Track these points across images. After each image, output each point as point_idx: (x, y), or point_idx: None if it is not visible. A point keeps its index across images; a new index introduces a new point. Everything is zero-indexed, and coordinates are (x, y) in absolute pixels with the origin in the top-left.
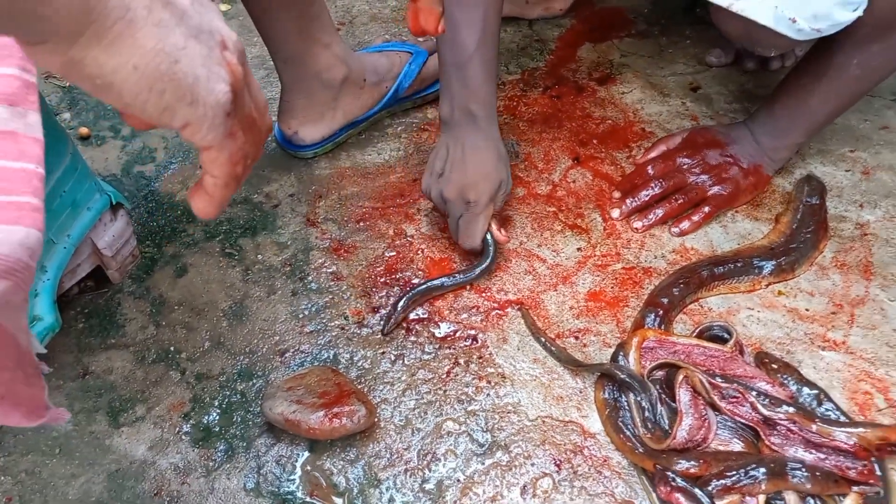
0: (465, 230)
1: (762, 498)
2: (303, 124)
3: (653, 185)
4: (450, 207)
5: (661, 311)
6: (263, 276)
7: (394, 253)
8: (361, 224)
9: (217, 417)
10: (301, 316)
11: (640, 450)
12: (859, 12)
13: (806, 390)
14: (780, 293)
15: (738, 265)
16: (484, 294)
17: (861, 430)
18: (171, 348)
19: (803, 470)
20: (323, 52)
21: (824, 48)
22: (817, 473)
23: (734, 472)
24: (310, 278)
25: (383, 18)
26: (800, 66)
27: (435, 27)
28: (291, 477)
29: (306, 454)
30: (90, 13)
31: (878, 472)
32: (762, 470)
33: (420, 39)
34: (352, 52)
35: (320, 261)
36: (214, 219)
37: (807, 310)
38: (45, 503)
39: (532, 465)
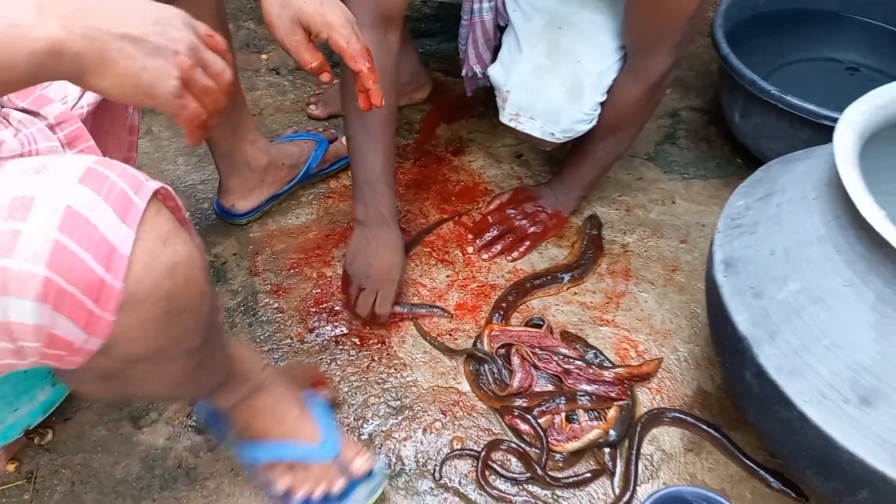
0: (378, 302)
1: (563, 415)
2: (237, 199)
3: (492, 229)
4: (369, 283)
5: (502, 311)
6: (226, 314)
7: (319, 290)
8: (292, 271)
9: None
10: (258, 340)
11: (493, 397)
12: (593, 123)
13: (590, 351)
14: (574, 293)
15: (549, 278)
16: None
17: (619, 370)
18: None
19: (586, 396)
20: (250, 147)
21: (585, 139)
22: (594, 396)
23: (547, 402)
24: (260, 313)
25: (285, 109)
26: (573, 149)
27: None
28: None
29: None
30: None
31: (629, 393)
32: (563, 398)
33: (320, 129)
34: (271, 143)
35: (265, 300)
36: (199, 145)
37: (591, 302)
38: (100, 482)
39: (428, 415)
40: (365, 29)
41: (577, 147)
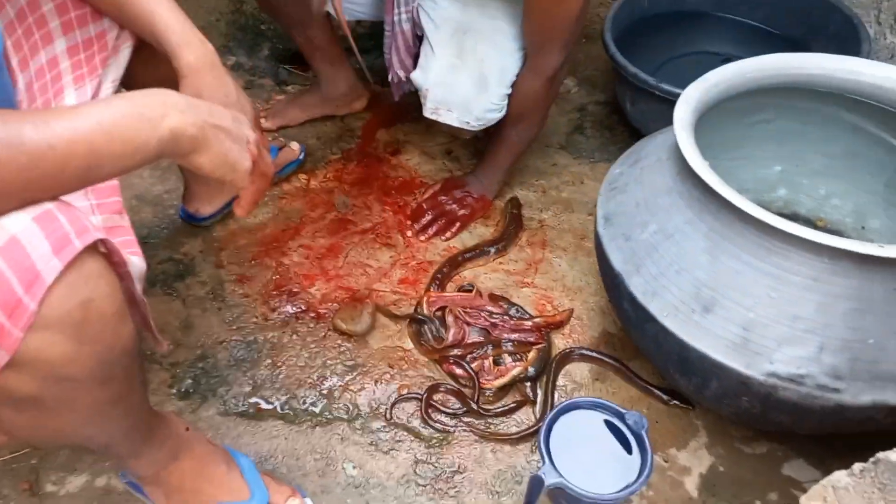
0: None
1: (491, 359)
2: (201, 204)
3: (427, 214)
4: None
5: (438, 282)
6: (196, 302)
7: (278, 276)
8: (253, 262)
9: (190, 383)
10: (227, 321)
11: (432, 350)
12: (502, 113)
13: (513, 308)
14: (500, 263)
15: (477, 252)
16: (342, 288)
17: (537, 320)
18: (148, 352)
19: (510, 342)
20: None
21: (499, 128)
22: (516, 343)
23: (477, 350)
24: (227, 299)
25: None
26: (491, 139)
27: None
28: (243, 405)
29: (248, 388)
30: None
31: (546, 338)
32: (490, 346)
33: (270, 139)
34: None
35: (231, 288)
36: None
37: (513, 269)
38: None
39: (378, 370)
40: None
41: (493, 137)
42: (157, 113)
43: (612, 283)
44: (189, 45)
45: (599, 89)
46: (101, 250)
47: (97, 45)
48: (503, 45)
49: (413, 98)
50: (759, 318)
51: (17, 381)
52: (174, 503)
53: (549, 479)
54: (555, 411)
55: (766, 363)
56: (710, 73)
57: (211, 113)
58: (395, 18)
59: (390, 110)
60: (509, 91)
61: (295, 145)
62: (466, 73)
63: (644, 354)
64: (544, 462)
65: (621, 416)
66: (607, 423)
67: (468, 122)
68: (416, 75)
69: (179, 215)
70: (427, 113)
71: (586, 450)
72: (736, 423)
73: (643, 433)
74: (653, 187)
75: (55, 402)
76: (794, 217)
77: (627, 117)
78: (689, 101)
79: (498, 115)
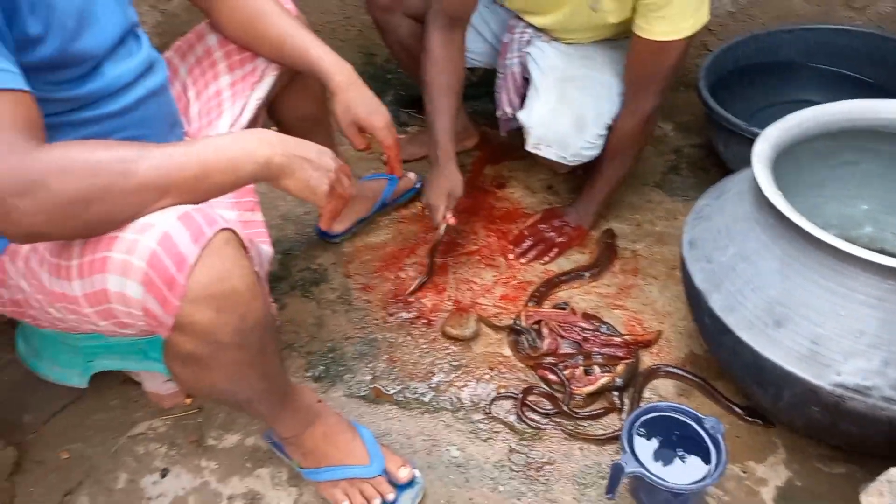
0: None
1: (582, 369)
2: (334, 223)
3: (528, 240)
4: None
5: (536, 299)
6: (328, 304)
7: (395, 287)
8: (375, 274)
9: (322, 369)
10: (354, 321)
11: (528, 358)
12: (597, 151)
13: (604, 326)
14: (593, 286)
15: (573, 275)
16: (450, 300)
17: (626, 337)
18: (292, 343)
19: (600, 356)
20: None
21: (596, 164)
22: (606, 356)
23: (570, 360)
24: (353, 303)
25: (366, 158)
26: (589, 174)
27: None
28: (364, 390)
29: (369, 377)
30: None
31: (634, 355)
32: (581, 357)
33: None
34: (357, 181)
35: (357, 294)
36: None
37: (606, 292)
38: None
39: (480, 371)
40: (438, 29)
41: (591, 172)
42: (253, 146)
43: (694, 300)
44: (337, 69)
45: (695, 133)
46: (234, 239)
47: (251, 77)
48: (601, 93)
49: (518, 138)
50: (827, 333)
51: (181, 340)
52: (308, 462)
53: (629, 468)
54: (639, 411)
55: (834, 374)
56: (789, 115)
57: (298, 146)
58: (507, 62)
59: (497, 149)
60: (605, 132)
61: (412, 176)
62: (566, 115)
63: (724, 368)
64: (625, 452)
65: (700, 421)
66: (685, 427)
67: (565, 158)
68: (521, 114)
69: (315, 232)
70: (529, 147)
71: (665, 449)
72: (810, 436)
73: (719, 437)
74: (733, 215)
75: (207, 359)
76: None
77: (721, 159)
78: (769, 139)
79: (593, 153)
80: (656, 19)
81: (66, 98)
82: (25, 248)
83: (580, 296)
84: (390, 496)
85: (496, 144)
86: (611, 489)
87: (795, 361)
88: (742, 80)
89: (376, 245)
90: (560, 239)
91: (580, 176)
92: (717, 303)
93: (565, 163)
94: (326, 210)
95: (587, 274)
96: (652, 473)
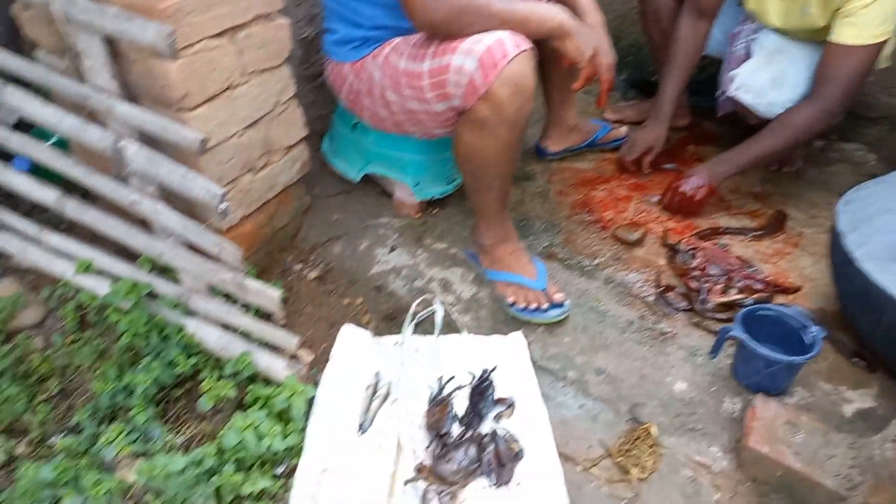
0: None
1: (721, 286)
2: (551, 144)
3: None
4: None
5: (699, 235)
6: (530, 197)
7: (585, 198)
8: (571, 186)
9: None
10: (547, 210)
11: (679, 270)
12: (780, 109)
13: (752, 268)
14: (753, 244)
15: (737, 230)
16: (625, 219)
17: (769, 278)
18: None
19: (741, 282)
20: (570, 114)
21: (751, 129)
22: (745, 285)
23: (713, 278)
24: (550, 200)
25: (589, 114)
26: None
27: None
28: (541, 250)
29: (547, 244)
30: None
31: (769, 293)
32: (724, 277)
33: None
34: (579, 117)
35: (557, 198)
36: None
37: (763, 252)
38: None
39: (635, 265)
40: (690, 16)
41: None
42: (556, 12)
43: (834, 242)
44: (590, 8)
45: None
46: (533, 58)
47: None
48: (802, 73)
49: (724, 127)
50: None
51: (482, 108)
52: (494, 267)
53: (735, 332)
54: (757, 305)
55: None
56: None
57: (580, 24)
58: (734, 49)
59: (704, 134)
60: (793, 101)
61: (623, 129)
62: (768, 72)
63: (840, 299)
64: (737, 323)
65: (805, 327)
66: (792, 331)
67: (757, 106)
68: (733, 72)
69: (534, 148)
70: (731, 92)
71: (769, 340)
72: None
73: (818, 339)
74: (890, 183)
75: (491, 126)
76: None
77: None
78: None
79: (778, 110)
80: (846, 24)
81: None
82: (388, 48)
83: (739, 246)
84: (545, 305)
85: (705, 130)
86: (715, 350)
87: None
88: None
89: (578, 169)
90: (697, 195)
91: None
92: (850, 241)
93: (757, 112)
94: (584, 73)
95: (750, 234)
96: (751, 342)
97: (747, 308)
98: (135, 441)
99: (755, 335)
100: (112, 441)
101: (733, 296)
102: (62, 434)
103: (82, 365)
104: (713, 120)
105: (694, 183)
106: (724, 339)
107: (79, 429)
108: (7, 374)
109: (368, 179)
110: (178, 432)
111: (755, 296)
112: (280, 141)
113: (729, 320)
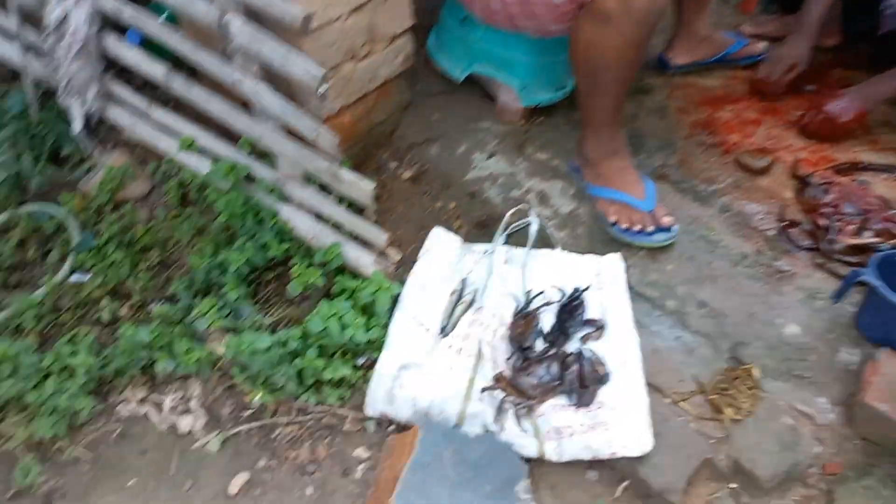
0: None
1: (855, 227)
2: (676, 55)
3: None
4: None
5: (835, 169)
6: (645, 111)
7: (706, 118)
8: (694, 104)
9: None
10: (662, 128)
11: (807, 205)
12: None
13: (894, 210)
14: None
15: (881, 167)
16: (752, 144)
17: None
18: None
19: (878, 225)
20: (702, 24)
21: None
22: (883, 228)
23: (847, 217)
24: (667, 112)
25: (724, 25)
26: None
27: None
28: (649, 170)
29: (658, 164)
30: None
31: None
32: (859, 217)
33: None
34: (711, 28)
35: (672, 112)
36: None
37: None
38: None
39: (758, 196)
40: None
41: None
42: None
43: None
44: None
45: None
46: None
47: None
48: None
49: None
50: None
51: (609, 2)
52: (598, 182)
53: (866, 276)
54: (893, 251)
55: None
56: None
57: None
58: None
59: (855, 58)
60: None
61: (762, 45)
62: None
63: None
64: (871, 266)
65: None
66: None
67: None
68: None
69: (657, 59)
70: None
71: None
72: None
73: None
74: None
75: (615, 21)
76: None
77: None
78: None
79: None
80: None
81: None
82: None
83: (882, 185)
84: (650, 228)
85: (858, 52)
86: (839, 294)
87: None
88: None
89: (704, 86)
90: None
91: None
92: None
93: None
94: None
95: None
96: (881, 285)
97: (885, 253)
98: (226, 316)
99: (890, 284)
100: (205, 313)
101: (868, 238)
102: (160, 301)
103: (181, 239)
104: (869, 42)
105: (843, 104)
106: (852, 284)
107: (175, 299)
108: (114, 241)
109: (472, 81)
110: (266, 313)
111: (893, 241)
112: (385, 29)
113: (858, 264)
